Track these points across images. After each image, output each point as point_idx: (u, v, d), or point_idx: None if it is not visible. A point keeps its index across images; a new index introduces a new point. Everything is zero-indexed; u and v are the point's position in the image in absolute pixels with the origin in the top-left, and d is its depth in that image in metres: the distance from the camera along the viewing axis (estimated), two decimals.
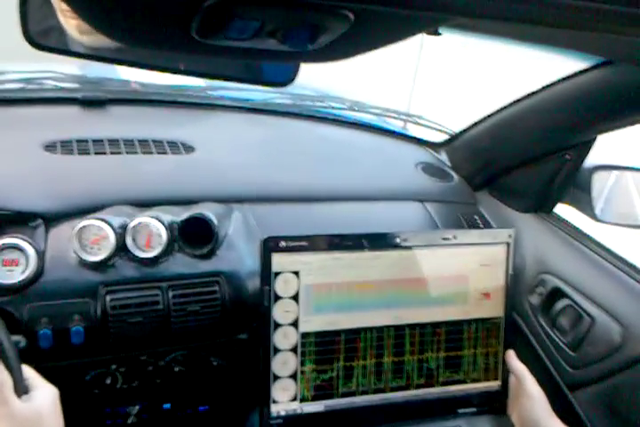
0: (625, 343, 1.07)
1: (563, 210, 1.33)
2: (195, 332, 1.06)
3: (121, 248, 1.02)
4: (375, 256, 1.05)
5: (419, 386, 1.09)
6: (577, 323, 1.15)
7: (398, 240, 1.06)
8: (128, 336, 1.02)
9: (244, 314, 1.09)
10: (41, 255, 1.00)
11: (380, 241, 1.05)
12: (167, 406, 1.14)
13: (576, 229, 1.28)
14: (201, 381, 1.14)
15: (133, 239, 1.03)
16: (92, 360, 1.04)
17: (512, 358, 1.10)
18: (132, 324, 1.01)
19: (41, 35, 0.60)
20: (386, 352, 1.07)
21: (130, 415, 1.12)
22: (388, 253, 1.05)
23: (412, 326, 1.08)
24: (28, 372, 0.78)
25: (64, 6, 0.54)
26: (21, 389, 0.74)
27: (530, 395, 1.04)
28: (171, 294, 1.04)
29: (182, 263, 1.07)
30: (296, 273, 1.01)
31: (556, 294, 1.20)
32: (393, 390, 1.08)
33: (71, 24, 0.58)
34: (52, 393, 0.78)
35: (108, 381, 1.06)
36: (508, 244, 1.11)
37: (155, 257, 1.04)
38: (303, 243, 1.00)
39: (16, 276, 0.97)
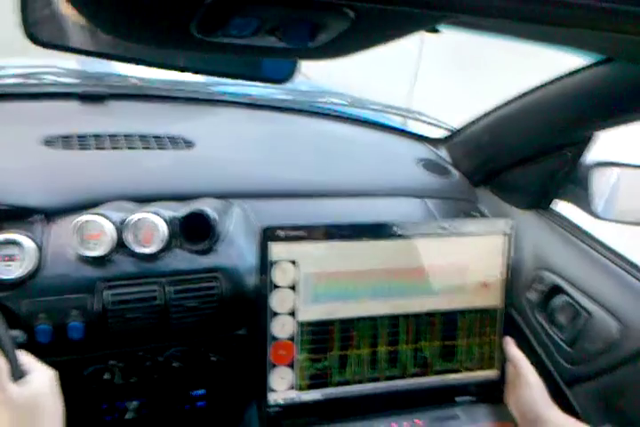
0: (622, 339, 1.07)
1: (562, 207, 1.33)
2: (193, 327, 1.07)
3: (120, 244, 1.03)
4: (373, 246, 1.05)
5: (413, 375, 1.10)
6: (574, 319, 1.15)
7: (396, 230, 1.06)
8: (127, 332, 1.02)
9: (243, 309, 1.09)
10: (40, 251, 1.00)
11: (378, 231, 1.05)
12: (165, 401, 1.15)
13: (575, 225, 1.28)
14: (199, 376, 1.15)
15: (133, 235, 1.03)
16: (91, 356, 1.05)
17: (510, 345, 1.11)
18: (131, 319, 1.02)
19: (41, 30, 0.60)
20: (380, 341, 1.08)
21: (128, 411, 1.12)
22: (385, 242, 1.06)
23: (407, 316, 1.08)
24: (24, 357, 0.78)
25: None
26: (17, 374, 0.74)
27: (527, 383, 1.04)
28: (170, 289, 1.04)
29: (181, 259, 1.07)
30: (294, 262, 1.01)
31: (554, 290, 1.20)
32: (388, 379, 1.09)
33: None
34: (48, 376, 0.78)
35: (107, 376, 1.06)
36: (506, 234, 1.12)
37: (154, 253, 1.04)
38: (301, 232, 1.01)
39: (15, 271, 0.97)
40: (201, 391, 1.17)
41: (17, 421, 0.72)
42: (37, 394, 0.74)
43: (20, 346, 0.80)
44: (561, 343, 1.17)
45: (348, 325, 1.05)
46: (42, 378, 0.76)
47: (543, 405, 1.02)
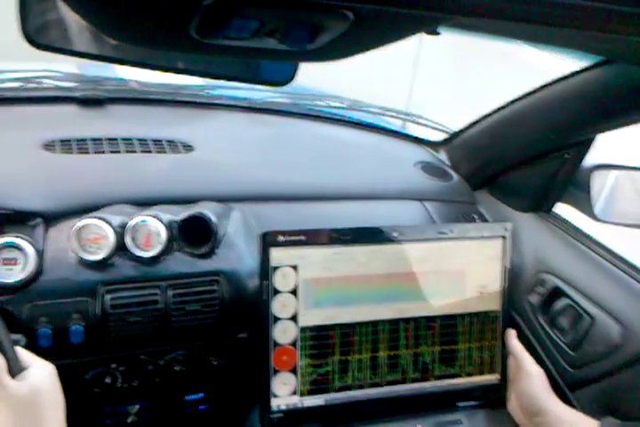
0: (624, 343, 1.07)
1: (562, 209, 1.33)
2: (194, 331, 1.06)
3: (120, 247, 1.02)
4: (373, 250, 1.05)
5: (414, 380, 1.10)
6: (576, 322, 1.15)
7: (396, 234, 1.06)
8: (128, 335, 1.02)
9: (244, 313, 1.09)
10: (40, 254, 1.00)
11: (378, 235, 1.06)
12: (167, 405, 1.14)
13: (576, 228, 1.28)
14: (201, 380, 1.14)
15: (133, 238, 1.03)
16: (92, 359, 1.04)
17: (512, 337, 1.11)
18: (132, 323, 1.01)
19: (40, 34, 0.60)
20: (381, 346, 1.08)
21: (130, 415, 1.12)
22: (385, 247, 1.06)
23: (407, 320, 1.08)
24: (22, 352, 0.77)
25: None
26: (16, 369, 0.74)
27: (528, 373, 1.04)
28: (170, 293, 1.03)
29: (182, 262, 1.07)
30: (294, 267, 1.01)
31: (556, 293, 1.20)
32: (389, 384, 1.09)
33: None
34: (46, 369, 0.77)
35: (108, 380, 1.06)
36: (504, 237, 1.12)
37: (154, 256, 1.04)
38: (301, 237, 1.01)
39: (15, 275, 0.97)
40: (202, 395, 1.17)
41: (18, 416, 0.71)
42: (37, 389, 0.73)
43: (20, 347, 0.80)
44: (563, 346, 1.16)
45: (348, 329, 1.05)
46: (41, 373, 0.76)
47: (544, 395, 1.02)
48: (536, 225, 1.32)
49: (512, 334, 1.12)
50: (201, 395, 1.16)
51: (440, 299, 1.10)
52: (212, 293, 1.06)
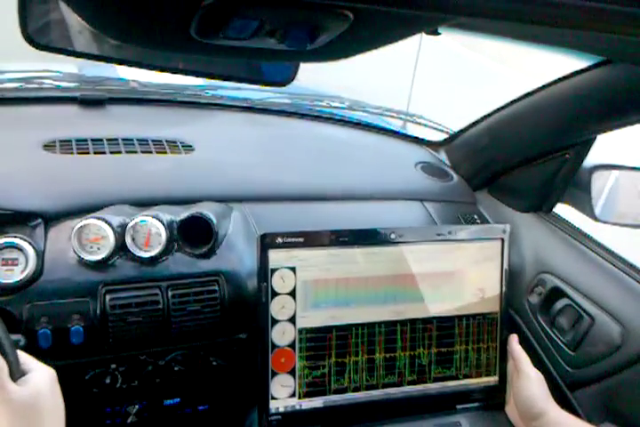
0: (624, 343, 1.07)
1: (562, 210, 1.33)
2: (194, 331, 1.06)
3: (120, 248, 1.02)
4: (371, 252, 1.05)
5: (411, 382, 1.10)
6: (576, 323, 1.15)
7: (394, 236, 1.06)
8: (127, 336, 1.02)
9: (244, 313, 1.09)
10: (40, 255, 1.00)
11: (376, 237, 1.05)
12: (167, 405, 1.14)
13: (576, 228, 1.28)
14: (200, 380, 1.14)
15: (133, 239, 1.03)
16: (92, 360, 1.04)
17: (514, 341, 1.11)
18: (132, 323, 1.01)
19: (40, 34, 0.60)
20: (377, 348, 1.07)
21: (129, 415, 1.11)
22: (384, 248, 1.06)
23: (404, 322, 1.08)
24: (23, 356, 0.77)
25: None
26: (17, 373, 0.74)
27: (528, 376, 1.04)
28: (170, 293, 1.03)
29: (182, 263, 1.07)
30: (293, 269, 1.01)
31: (556, 293, 1.20)
32: (385, 386, 1.08)
33: None
34: (48, 374, 0.76)
35: (108, 380, 1.06)
36: (502, 239, 1.12)
37: (154, 257, 1.04)
38: (300, 239, 1.01)
39: (15, 275, 0.97)
40: (202, 395, 1.17)
41: (17, 420, 0.71)
42: (38, 393, 0.73)
43: (21, 350, 0.80)
44: (563, 347, 1.16)
45: (345, 331, 1.05)
46: (42, 377, 0.75)
47: (543, 400, 1.02)
48: (536, 225, 1.32)
49: (514, 339, 1.12)
50: (201, 395, 1.16)
51: (438, 301, 1.10)
52: (212, 293, 1.06)
